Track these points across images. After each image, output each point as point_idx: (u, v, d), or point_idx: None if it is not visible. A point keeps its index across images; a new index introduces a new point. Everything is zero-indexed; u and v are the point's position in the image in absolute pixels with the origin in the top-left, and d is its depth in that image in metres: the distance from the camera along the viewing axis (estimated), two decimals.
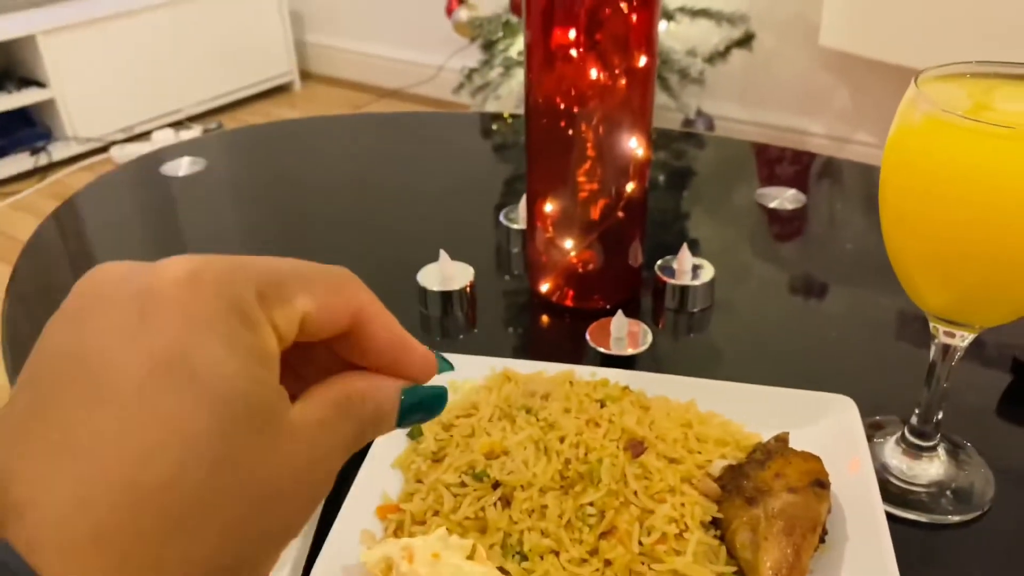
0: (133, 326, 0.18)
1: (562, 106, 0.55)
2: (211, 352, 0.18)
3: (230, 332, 0.19)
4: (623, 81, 0.54)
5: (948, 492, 0.45)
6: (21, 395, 0.18)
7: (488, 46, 1.88)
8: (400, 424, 0.24)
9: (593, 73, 0.54)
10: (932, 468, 0.46)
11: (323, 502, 0.19)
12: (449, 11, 1.98)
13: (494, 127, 1.00)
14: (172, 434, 0.17)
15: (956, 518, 0.44)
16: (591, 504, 0.40)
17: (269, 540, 0.20)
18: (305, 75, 3.01)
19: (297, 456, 0.20)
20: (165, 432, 0.17)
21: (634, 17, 0.52)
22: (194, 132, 2.52)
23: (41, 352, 0.19)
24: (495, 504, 0.41)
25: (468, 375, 0.51)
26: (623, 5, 0.52)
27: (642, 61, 0.54)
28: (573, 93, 0.55)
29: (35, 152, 2.33)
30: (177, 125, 2.57)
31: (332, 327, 0.22)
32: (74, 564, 0.16)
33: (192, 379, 0.18)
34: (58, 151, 2.36)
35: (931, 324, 0.43)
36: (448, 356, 0.48)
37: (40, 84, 2.31)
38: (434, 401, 0.24)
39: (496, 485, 0.42)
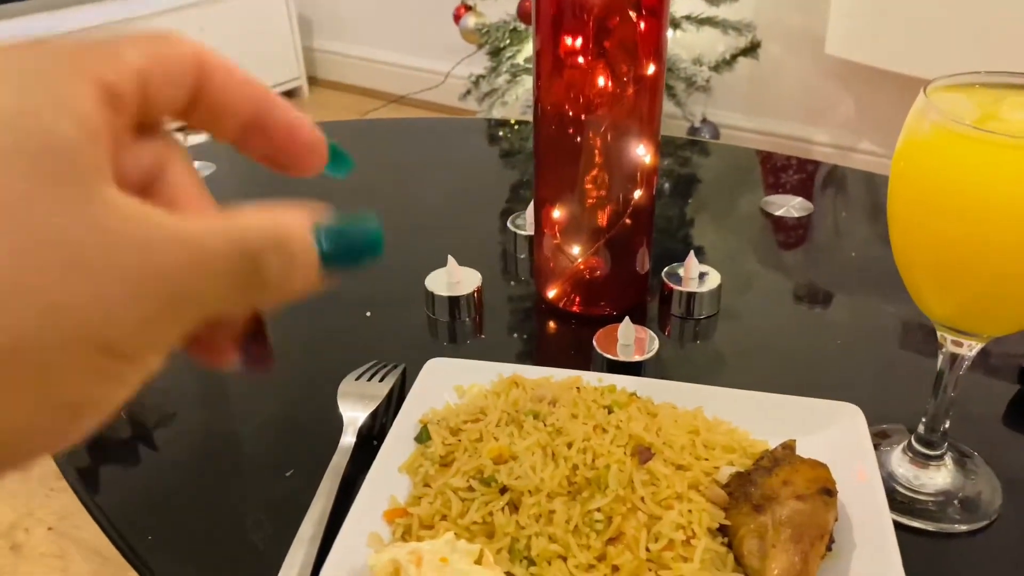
0: None
1: (570, 113, 0.55)
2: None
3: (28, 78, 0.16)
4: (631, 89, 0.54)
5: (955, 501, 0.45)
6: None
7: (495, 53, 1.89)
8: (326, 264, 0.19)
9: (601, 81, 0.54)
10: (939, 477, 0.46)
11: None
12: (457, 18, 1.99)
13: (501, 133, 1.00)
14: None
15: (963, 527, 0.44)
16: (598, 510, 0.40)
17: (57, 314, 0.16)
18: (313, 81, 3.03)
19: (116, 232, 0.16)
20: None
21: (643, 25, 0.53)
22: (202, 136, 2.53)
23: None
24: (503, 509, 0.41)
25: (476, 380, 0.51)
26: (632, 13, 0.52)
27: (651, 69, 0.54)
28: (581, 101, 0.55)
29: None
30: (185, 129, 2.58)
31: (175, 83, 0.19)
32: None
33: None
34: None
35: (939, 333, 0.43)
36: (457, 361, 0.47)
37: None
38: (364, 244, 0.20)
39: (504, 490, 0.42)
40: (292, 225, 0.19)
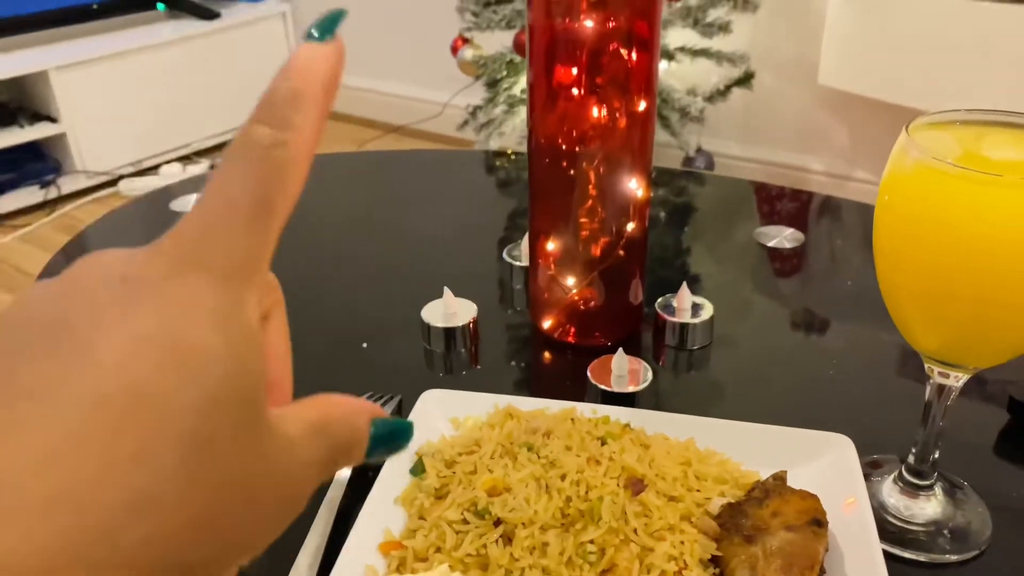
0: (122, 300, 0.17)
1: (564, 147, 0.57)
2: (201, 330, 0.17)
3: (222, 309, 0.18)
4: (624, 122, 0.56)
5: (945, 531, 0.45)
6: None
7: (492, 84, 1.91)
8: (367, 456, 0.22)
9: (594, 114, 0.55)
10: (929, 507, 0.46)
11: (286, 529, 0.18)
12: (454, 50, 2.01)
13: (497, 164, 1.01)
14: (149, 407, 0.16)
15: (954, 557, 0.44)
16: (592, 542, 0.40)
17: (232, 546, 0.18)
18: None
19: (276, 461, 0.19)
20: (142, 403, 0.16)
21: (634, 58, 0.54)
22: (202, 167, 2.55)
23: (17, 316, 0.18)
24: (497, 541, 0.41)
25: (471, 411, 0.51)
26: (623, 49, 0.54)
27: (642, 105, 0.55)
28: (574, 134, 0.56)
29: (44, 185, 2.36)
30: (185, 160, 2.60)
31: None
32: (16, 530, 0.15)
33: (179, 356, 0.17)
34: (67, 184, 2.39)
35: (926, 364, 0.43)
36: (453, 393, 0.48)
37: (51, 119, 2.35)
38: (400, 434, 0.23)
39: (498, 522, 0.42)
40: (360, 429, 0.22)
